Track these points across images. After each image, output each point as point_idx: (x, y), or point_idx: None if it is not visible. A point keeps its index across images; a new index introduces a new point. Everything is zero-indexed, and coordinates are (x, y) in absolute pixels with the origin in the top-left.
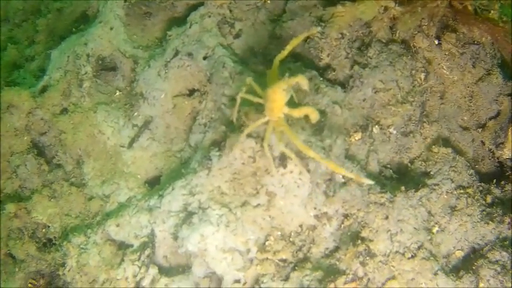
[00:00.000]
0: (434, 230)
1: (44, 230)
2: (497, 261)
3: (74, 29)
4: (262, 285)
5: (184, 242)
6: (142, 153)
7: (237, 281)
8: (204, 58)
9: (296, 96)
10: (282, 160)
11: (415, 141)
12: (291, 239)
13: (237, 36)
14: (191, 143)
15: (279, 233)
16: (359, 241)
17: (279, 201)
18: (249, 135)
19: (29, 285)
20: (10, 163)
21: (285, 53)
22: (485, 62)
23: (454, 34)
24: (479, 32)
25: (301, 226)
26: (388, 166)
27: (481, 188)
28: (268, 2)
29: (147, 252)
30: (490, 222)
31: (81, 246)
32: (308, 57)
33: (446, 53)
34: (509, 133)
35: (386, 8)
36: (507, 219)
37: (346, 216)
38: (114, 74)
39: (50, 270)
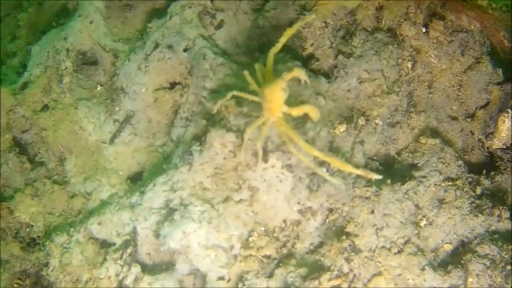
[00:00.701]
0: (422, 223)
1: (27, 230)
2: (486, 255)
3: (54, 23)
4: (246, 282)
5: (167, 239)
6: (124, 149)
7: (221, 278)
8: (185, 50)
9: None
10: (264, 155)
11: (402, 132)
12: (274, 235)
13: (218, 27)
14: (173, 137)
15: (263, 228)
16: (344, 236)
17: (261, 196)
18: (229, 129)
19: (15, 285)
20: None
21: (279, 45)
22: (474, 50)
23: (441, 22)
24: (468, 20)
25: (285, 221)
26: (375, 158)
27: (470, 180)
28: None
29: (129, 250)
30: (479, 214)
31: (63, 245)
32: (291, 47)
33: (434, 41)
34: (499, 123)
35: None
36: (497, 212)
37: (330, 210)
38: (95, 68)
39: (35, 270)
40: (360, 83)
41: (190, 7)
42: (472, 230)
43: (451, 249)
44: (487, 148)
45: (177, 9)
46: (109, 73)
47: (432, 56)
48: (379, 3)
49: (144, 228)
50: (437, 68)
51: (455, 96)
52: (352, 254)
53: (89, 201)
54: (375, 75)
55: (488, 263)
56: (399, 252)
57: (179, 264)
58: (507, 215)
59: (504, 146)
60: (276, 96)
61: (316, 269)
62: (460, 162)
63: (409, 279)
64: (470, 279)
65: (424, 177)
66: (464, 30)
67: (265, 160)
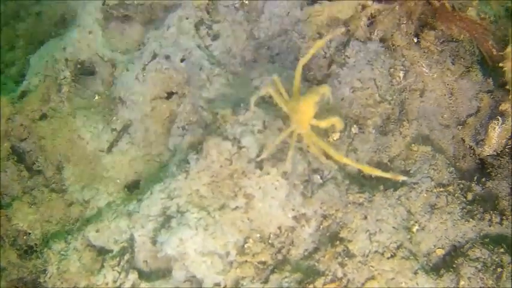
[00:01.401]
0: (414, 228)
1: (25, 237)
2: (477, 258)
3: (53, 33)
4: None
5: (163, 246)
6: (122, 158)
7: (217, 284)
8: (182, 61)
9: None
10: (259, 162)
11: (395, 140)
12: (270, 241)
13: (215, 37)
14: (170, 146)
15: (258, 235)
16: (337, 242)
17: (257, 204)
18: (225, 138)
19: None
20: None
21: (308, 56)
22: (465, 59)
23: (432, 32)
24: (458, 30)
25: (280, 228)
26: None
27: (461, 186)
28: (246, 2)
29: (126, 257)
30: (471, 219)
31: (61, 252)
32: (286, 57)
33: (425, 51)
34: (489, 130)
35: (364, 7)
36: (487, 217)
37: (324, 217)
38: (93, 78)
39: (32, 278)
40: (353, 92)
41: (187, 18)
42: (464, 234)
43: (443, 254)
44: (478, 155)
45: (175, 20)
46: (107, 83)
47: (424, 65)
48: (371, 14)
49: (141, 235)
50: (429, 77)
51: (446, 104)
52: (346, 258)
53: (86, 209)
54: (367, 84)
55: (479, 266)
56: (392, 256)
57: (176, 271)
58: (498, 219)
59: (494, 153)
60: (308, 108)
61: (311, 274)
62: (452, 168)
63: (402, 283)
64: (462, 282)
65: (416, 183)
66: (454, 40)
67: (261, 168)
